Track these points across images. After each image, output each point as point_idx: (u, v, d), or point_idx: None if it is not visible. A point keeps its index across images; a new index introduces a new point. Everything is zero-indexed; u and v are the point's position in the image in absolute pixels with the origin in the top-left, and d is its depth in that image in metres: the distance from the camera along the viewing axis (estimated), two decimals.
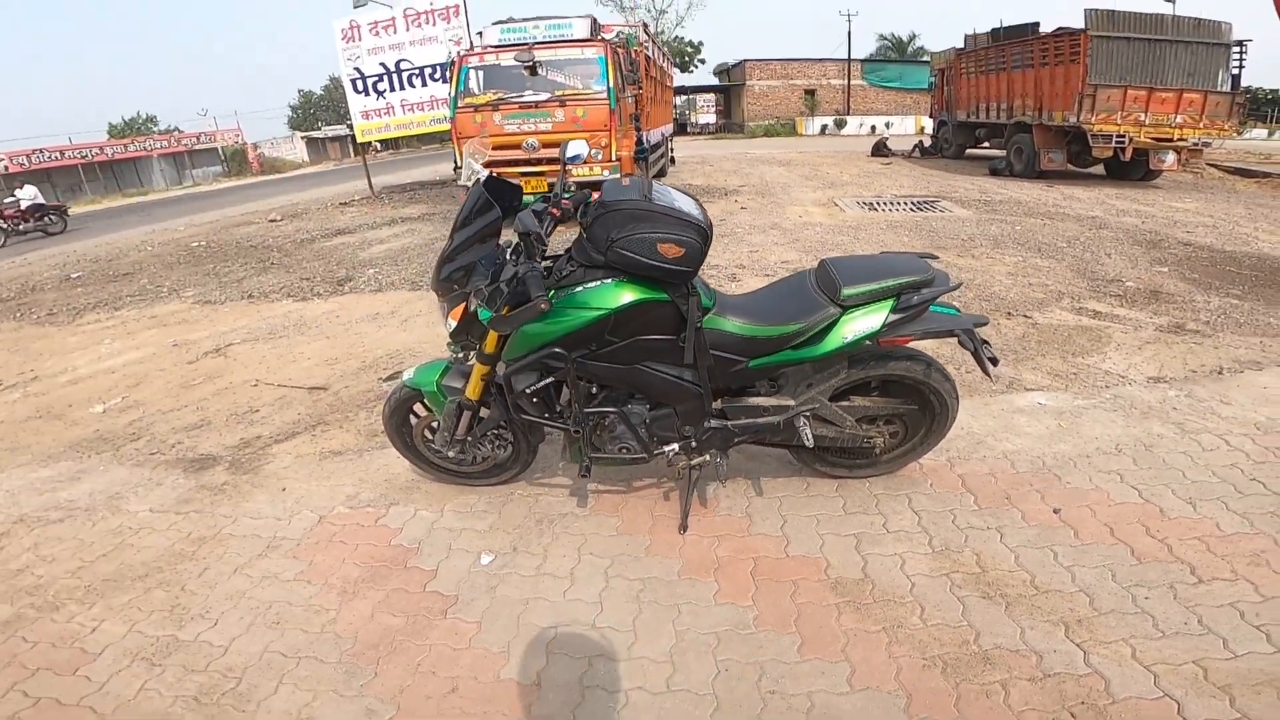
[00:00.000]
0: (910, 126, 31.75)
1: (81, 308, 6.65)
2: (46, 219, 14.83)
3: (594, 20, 8.32)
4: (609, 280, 2.07)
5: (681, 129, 39.83)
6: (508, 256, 2.10)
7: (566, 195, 2.29)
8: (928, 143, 17.75)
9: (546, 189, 8.05)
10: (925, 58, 35.56)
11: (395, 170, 20.98)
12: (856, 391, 2.42)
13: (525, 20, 8.52)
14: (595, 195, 2.17)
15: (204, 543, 2.57)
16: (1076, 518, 2.39)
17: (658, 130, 11.83)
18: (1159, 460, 2.72)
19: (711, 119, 42.30)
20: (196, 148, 38.55)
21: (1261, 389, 3.30)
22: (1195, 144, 11.30)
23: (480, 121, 8.13)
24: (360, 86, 12.49)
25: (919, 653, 1.86)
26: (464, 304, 2.19)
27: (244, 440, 3.42)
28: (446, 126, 9.10)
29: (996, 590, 2.07)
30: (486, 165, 8.14)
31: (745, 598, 2.10)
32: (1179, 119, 11.02)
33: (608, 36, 8.36)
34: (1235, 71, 11.30)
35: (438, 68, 11.52)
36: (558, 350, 2.15)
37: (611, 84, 7.88)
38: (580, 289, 2.09)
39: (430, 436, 2.64)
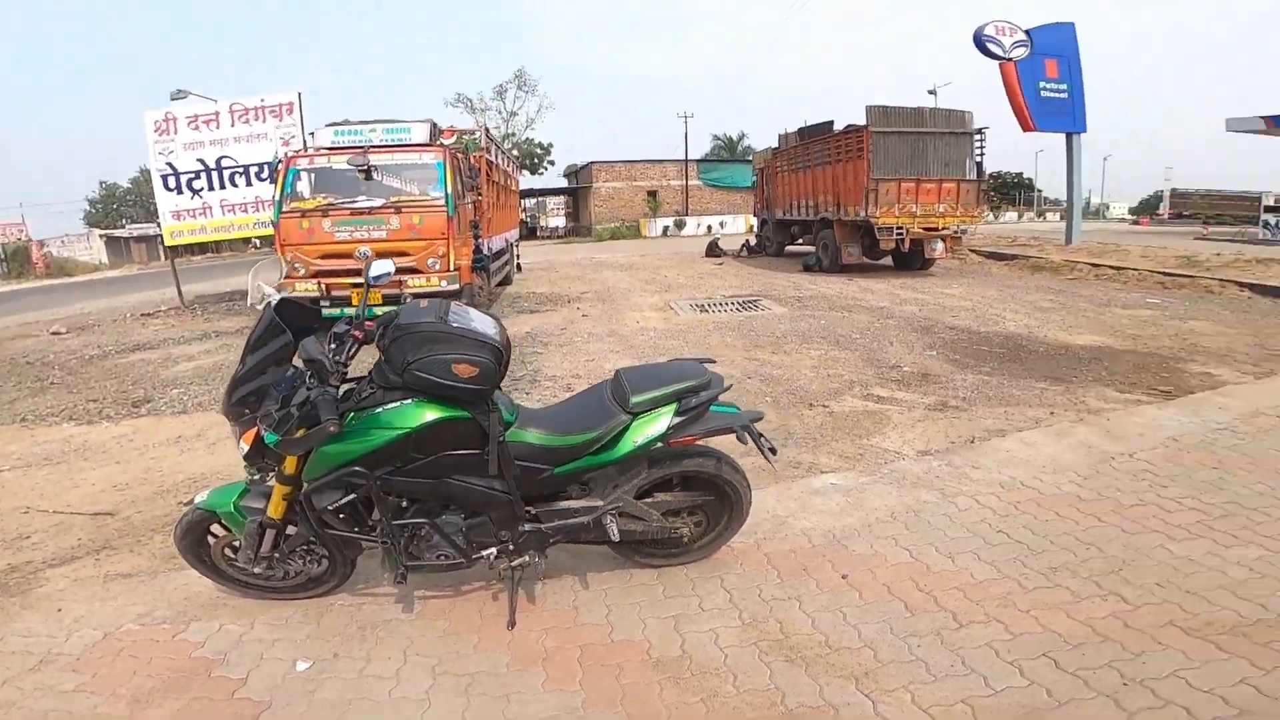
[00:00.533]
0: (742, 225, 34.32)
1: None
2: None
3: (433, 125, 8.54)
4: (408, 401, 2.18)
5: (531, 233, 40.83)
6: (306, 379, 2.14)
7: (370, 317, 2.37)
8: (753, 242, 19.72)
9: (380, 300, 7.93)
10: (751, 157, 39.00)
11: (213, 277, 19.49)
12: (660, 488, 2.67)
13: (361, 123, 8.52)
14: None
15: None
16: (861, 581, 2.71)
17: (501, 237, 12.14)
18: (925, 522, 3.17)
19: (561, 222, 43.86)
20: None
21: (1005, 453, 3.98)
22: (955, 231, 13.02)
23: (308, 228, 7.89)
24: (172, 184, 11.55)
25: (734, 718, 2.00)
26: (256, 428, 2.18)
27: (11, 566, 3.06)
28: (270, 231, 8.70)
29: (797, 653, 2.29)
30: (313, 275, 7.89)
31: (573, 683, 2.16)
32: (942, 208, 12.55)
33: (447, 142, 8.56)
34: (978, 159, 13.04)
35: (265, 166, 10.96)
36: (358, 469, 2.20)
37: (450, 190, 7.98)
38: (380, 410, 2.19)
39: (232, 555, 2.54)
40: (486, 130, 10.96)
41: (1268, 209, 26.49)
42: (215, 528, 2.53)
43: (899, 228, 12.37)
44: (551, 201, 45.12)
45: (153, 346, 8.94)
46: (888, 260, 14.24)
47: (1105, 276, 12.23)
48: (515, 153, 39.22)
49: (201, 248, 26.00)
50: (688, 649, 2.32)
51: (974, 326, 7.88)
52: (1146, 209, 59.67)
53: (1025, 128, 16.62)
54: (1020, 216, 55.95)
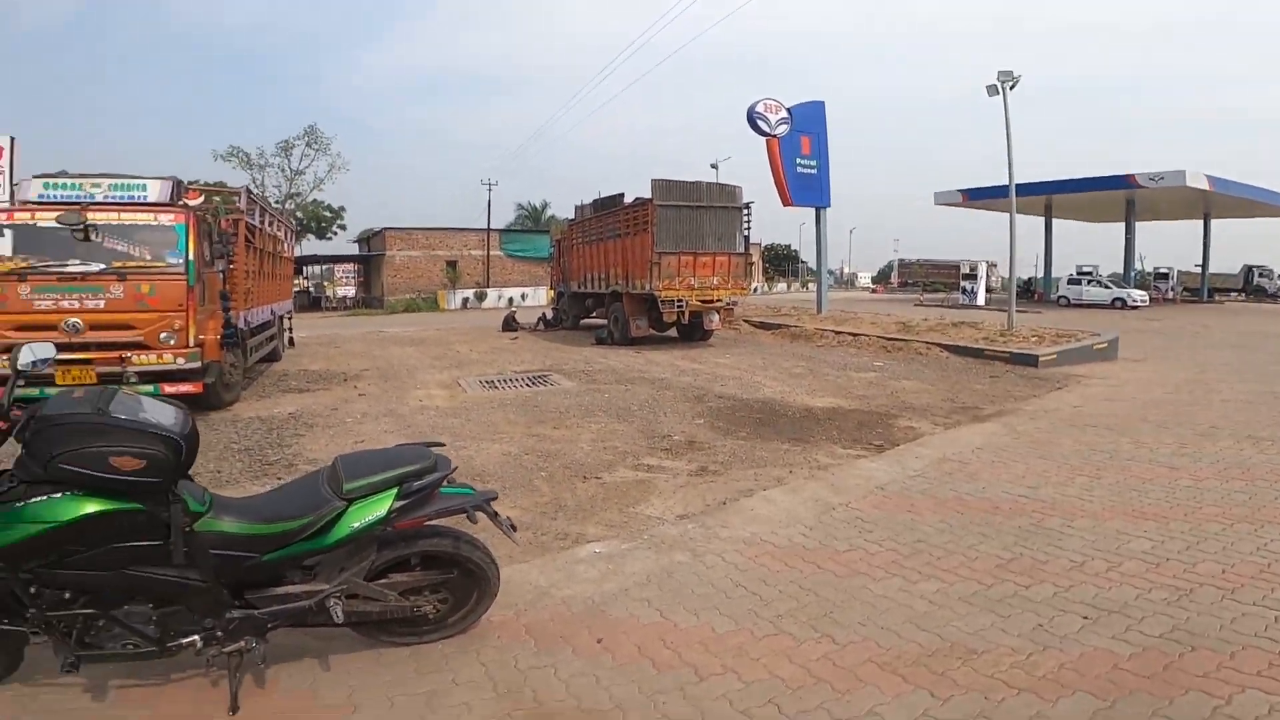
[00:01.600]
0: (543, 297, 34.16)
1: None
2: None
3: (176, 182, 7.55)
4: (58, 494, 1.99)
5: (316, 304, 37.70)
6: None
7: (19, 405, 2.10)
8: (550, 315, 20.06)
9: (95, 380, 6.71)
10: (550, 228, 38.45)
11: None
12: (398, 569, 2.60)
13: (82, 176, 7.30)
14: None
15: None
16: (615, 643, 2.77)
17: (266, 308, 11.00)
18: (676, 582, 3.34)
19: (351, 291, 40.92)
20: None
21: (750, 511, 4.36)
22: (728, 304, 14.04)
23: (2, 294, 6.52)
24: None
25: None
26: None
27: None
28: None
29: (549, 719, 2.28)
30: (3, 350, 6.42)
31: None
32: (715, 280, 13.45)
33: (191, 203, 7.63)
34: (746, 232, 14.07)
35: None
36: None
37: (192, 256, 7.10)
38: (21, 504, 1.98)
39: None
40: (248, 191, 9.97)
41: (964, 276, 33.38)
42: None
43: (679, 300, 13.15)
44: (340, 269, 41.98)
45: None
46: (673, 332, 15.22)
47: (845, 342, 14.33)
48: (299, 214, 36.26)
49: None
50: None
51: (738, 394, 8.70)
52: (882, 277, 71.47)
53: (785, 202, 18.95)
54: (789, 287, 63.92)
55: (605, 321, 15.79)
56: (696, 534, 3.98)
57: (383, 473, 2.41)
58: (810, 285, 60.36)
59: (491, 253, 39.90)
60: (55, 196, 7.14)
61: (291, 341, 14.05)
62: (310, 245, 43.59)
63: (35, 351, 2.21)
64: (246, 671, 2.40)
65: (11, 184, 8.95)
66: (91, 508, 2.02)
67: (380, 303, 37.06)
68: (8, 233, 6.76)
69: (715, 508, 4.46)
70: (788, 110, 18.60)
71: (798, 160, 18.97)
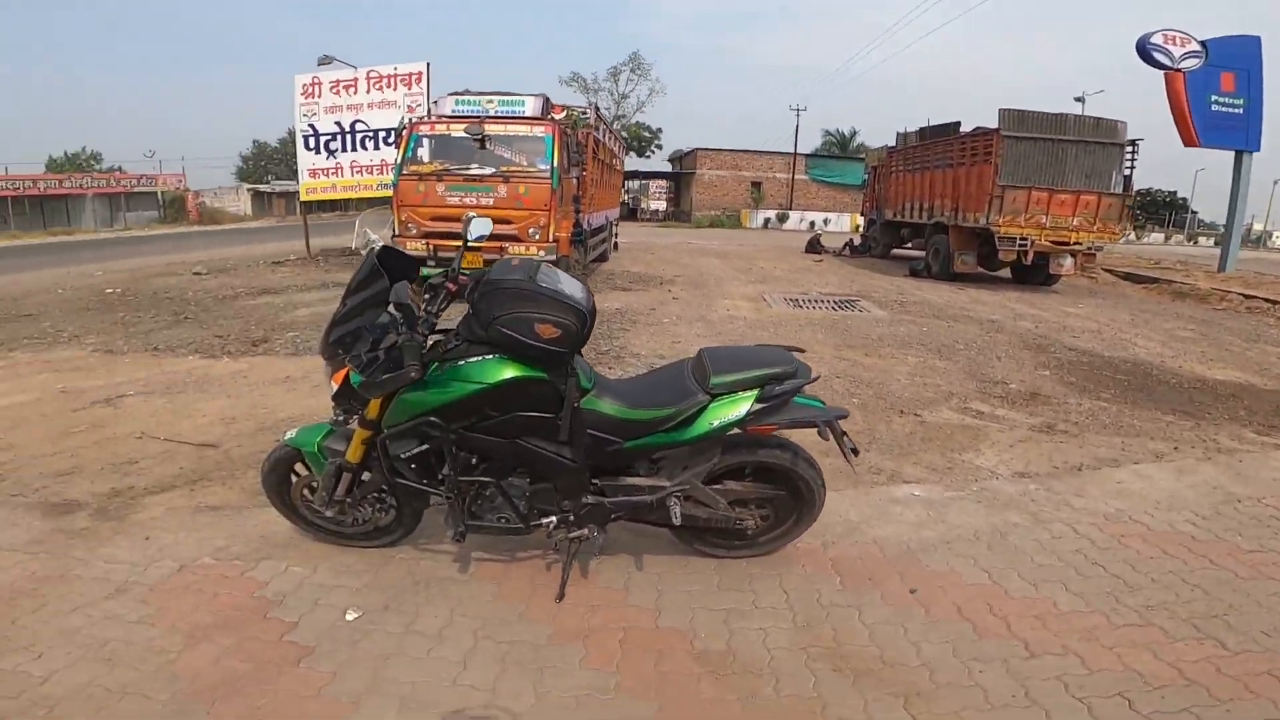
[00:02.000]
0: (846, 224, 33.17)
1: None
2: None
3: (546, 99, 8.73)
4: (490, 356, 2.21)
5: (632, 214, 40.96)
6: (398, 325, 2.20)
7: (464, 272, 2.40)
8: (858, 241, 18.93)
9: (482, 265, 8.22)
10: (864, 154, 37.47)
11: (338, 233, 20.90)
12: (730, 476, 2.57)
13: (480, 94, 8.84)
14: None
15: (47, 581, 2.47)
16: (930, 597, 2.54)
17: (602, 214, 12.29)
18: (1011, 546, 2.93)
19: (663, 206, 43.77)
20: (135, 190, 37.61)
21: (1116, 484, 3.62)
22: (1089, 248, 11.98)
23: (423, 191, 8.30)
24: (312, 144, 12.51)
25: None
26: (346, 369, 2.27)
27: (115, 490, 3.28)
28: (389, 193, 9.19)
29: (847, 664, 2.16)
30: (423, 235, 8.27)
31: (610, 664, 2.13)
32: (1076, 222, 11.53)
33: (556, 117, 8.75)
34: (1127, 172, 11.91)
35: (391, 132, 11.54)
36: (434, 420, 2.25)
37: (555, 164, 8.18)
38: (462, 362, 2.23)
39: (309, 495, 2.64)
40: (596, 109, 11.09)
41: None
42: (299, 468, 2.65)
43: (1023, 239, 11.53)
44: (654, 185, 45.08)
45: (277, 291, 9.72)
46: (1005, 272, 13.28)
47: (1259, 310, 10.84)
48: (624, 134, 39.49)
49: (332, 205, 27.83)
50: (734, 645, 2.24)
51: (1097, 350, 7.20)
52: None
53: (1188, 142, 15.09)
54: (1168, 238, 50.65)
55: (922, 253, 14.36)
56: (1040, 497, 3.43)
57: (747, 370, 2.34)
58: (1198, 240, 47.85)
59: (796, 176, 38.87)
60: (462, 111, 8.69)
61: (616, 245, 15.60)
62: (631, 162, 47.21)
63: (478, 227, 2.51)
64: (575, 559, 2.54)
65: (430, 101, 11.06)
66: (512, 372, 2.18)
67: (688, 217, 38.85)
68: (428, 141, 8.46)
69: (1066, 472, 3.79)
70: (1200, 43, 14.59)
71: (1213, 97, 14.98)
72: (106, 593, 2.41)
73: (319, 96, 12.30)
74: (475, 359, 2.21)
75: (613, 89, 45.16)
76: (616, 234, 15.80)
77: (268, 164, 52.32)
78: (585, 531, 2.46)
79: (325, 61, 12.83)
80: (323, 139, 12.45)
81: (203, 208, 38.93)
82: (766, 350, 2.57)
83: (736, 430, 2.37)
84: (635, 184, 44.72)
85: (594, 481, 2.45)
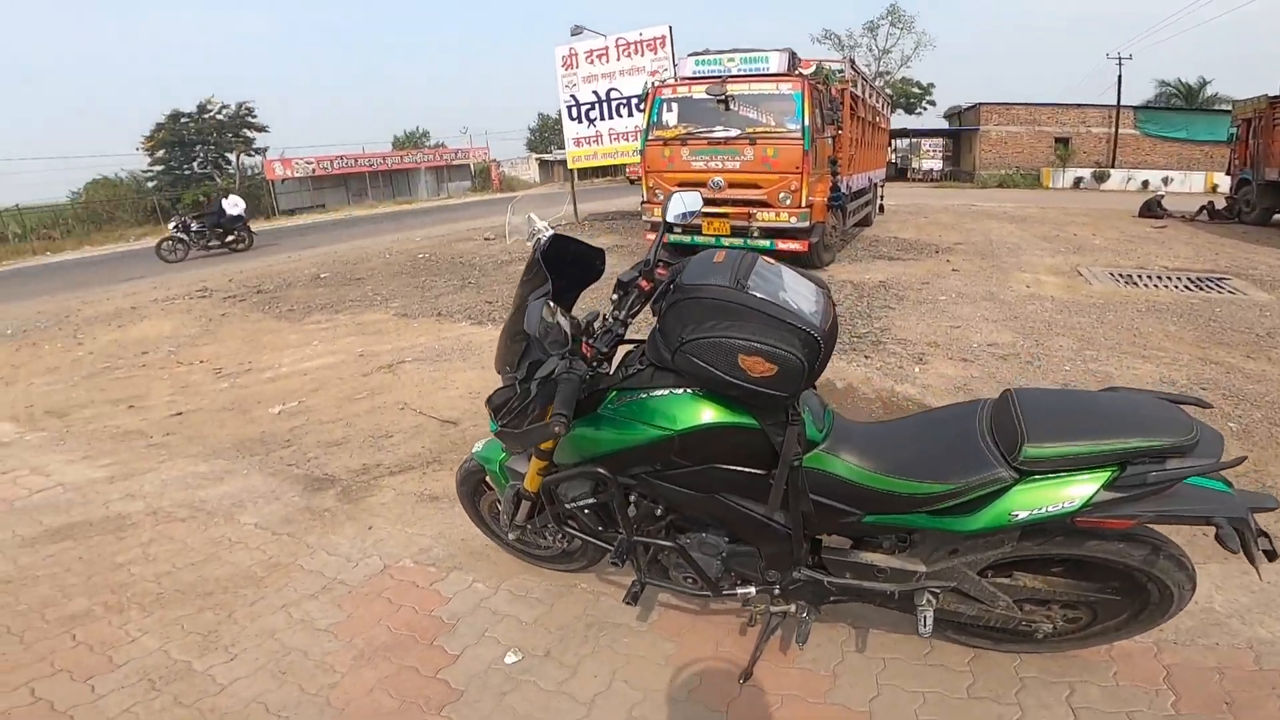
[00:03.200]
0: (1197, 184, 26.61)
1: (313, 307, 7.60)
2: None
3: (792, 54, 7.78)
4: (680, 390, 1.60)
5: (901, 174, 37.57)
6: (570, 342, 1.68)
7: (663, 263, 1.82)
8: (1220, 204, 14.51)
9: (728, 231, 7.68)
10: (1224, 106, 30.66)
11: (606, 197, 22.17)
12: (1028, 566, 1.71)
13: (720, 52, 8.20)
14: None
15: (275, 569, 2.58)
16: None
17: (864, 175, 10.90)
18: None
19: (938, 165, 39.17)
20: (454, 163, 43.89)
21: None
22: None
23: (668, 155, 7.98)
24: (575, 114, 13.02)
25: None
26: None
27: (365, 466, 3.47)
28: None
29: None
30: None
31: None
32: None
33: (805, 71, 7.75)
34: None
35: (641, 98, 11.62)
36: (602, 471, 1.74)
37: (807, 123, 7.27)
38: (645, 395, 1.64)
39: (498, 511, 2.38)
40: (852, 62, 9.66)
41: None
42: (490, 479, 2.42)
43: None
44: (927, 143, 40.39)
45: None
46: None
47: None
48: (888, 91, 35.97)
49: (603, 171, 29.79)
50: None
51: None
52: None
53: None
54: None
55: None
56: None
57: (1095, 439, 1.43)
58: None
59: (1121, 131, 31.85)
60: (703, 71, 8.13)
61: (881, 208, 13.90)
62: (899, 120, 43.57)
63: (685, 202, 1.97)
64: (774, 632, 2.00)
65: (674, 64, 10.71)
66: (708, 416, 1.57)
67: (970, 176, 34.25)
68: (672, 105, 8.06)
69: None
70: None
71: None
72: (313, 590, 2.45)
73: (576, 67, 12.68)
74: (660, 393, 1.62)
75: (871, 44, 41.38)
76: (882, 196, 14.07)
77: (550, 135, 57.91)
78: (791, 608, 1.86)
79: (576, 31, 13.15)
80: (583, 108, 12.87)
81: (503, 177, 44.63)
82: (1134, 401, 1.56)
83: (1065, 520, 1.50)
84: (904, 143, 40.84)
85: (818, 552, 1.82)
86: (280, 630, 2.22)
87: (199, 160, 33.34)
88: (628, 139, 12.28)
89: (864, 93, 10.23)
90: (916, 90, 43.71)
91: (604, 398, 1.69)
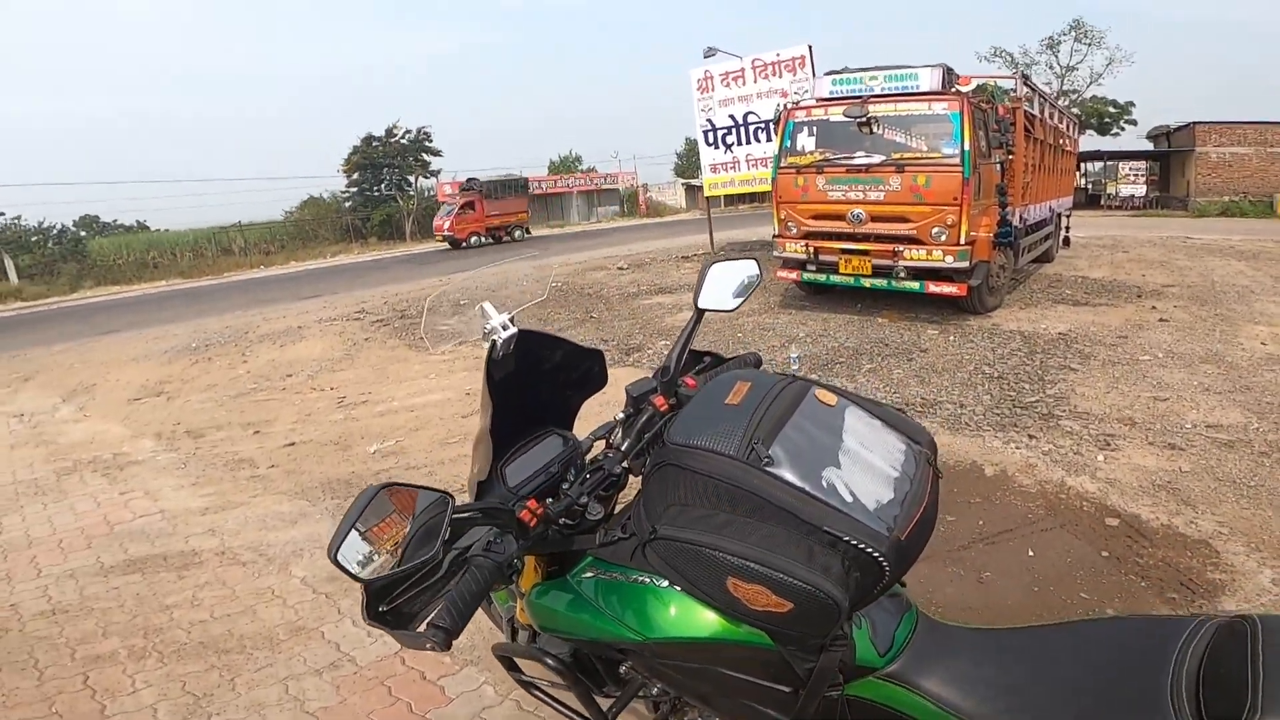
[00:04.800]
0: None
1: (444, 335, 7.79)
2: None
3: (946, 70, 6.76)
4: (662, 584, 1.01)
5: (1093, 201, 33.46)
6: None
7: (695, 372, 1.30)
8: None
9: (869, 270, 6.84)
10: None
11: (747, 225, 21.58)
12: None
13: (861, 70, 7.34)
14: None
15: (298, 633, 2.45)
16: None
17: (1045, 205, 9.41)
18: None
19: (1139, 190, 34.21)
20: (604, 187, 45.02)
21: None
22: None
23: (802, 184, 7.26)
24: (711, 139, 12.59)
25: None
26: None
27: None
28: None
29: None
30: (803, 236, 7.19)
31: None
32: None
33: (964, 89, 6.73)
34: None
35: (776, 122, 11.01)
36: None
37: (967, 146, 6.26)
38: (619, 575, 1.07)
39: None
40: (1025, 78, 8.31)
41: None
42: None
43: None
44: (1127, 166, 35.40)
45: (672, 290, 10.03)
46: None
47: None
48: (1075, 110, 32.14)
49: (750, 198, 29.28)
50: None
51: None
52: None
53: None
54: None
55: None
56: None
57: None
58: None
59: None
60: (840, 91, 7.35)
61: (1067, 241, 12.02)
62: (1090, 141, 38.80)
63: (730, 275, 1.37)
64: None
65: (814, 79, 9.96)
66: (696, 627, 1.00)
67: (1183, 204, 29.53)
68: (807, 129, 7.32)
69: None
70: None
71: None
72: (320, 665, 2.28)
73: (712, 90, 12.26)
74: (640, 579, 1.04)
75: (1052, 62, 37.21)
76: (1068, 228, 12.20)
77: (696, 160, 58.16)
78: None
79: (710, 53, 12.72)
80: (719, 132, 12.42)
81: (650, 201, 45.36)
82: None
83: None
84: (1097, 166, 36.24)
85: None
86: (269, 707, 2.08)
87: (385, 182, 36.24)
88: (766, 165, 11.67)
89: (1042, 111, 8.88)
90: (1112, 109, 38.98)
91: (579, 561, 1.16)
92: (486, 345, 1.13)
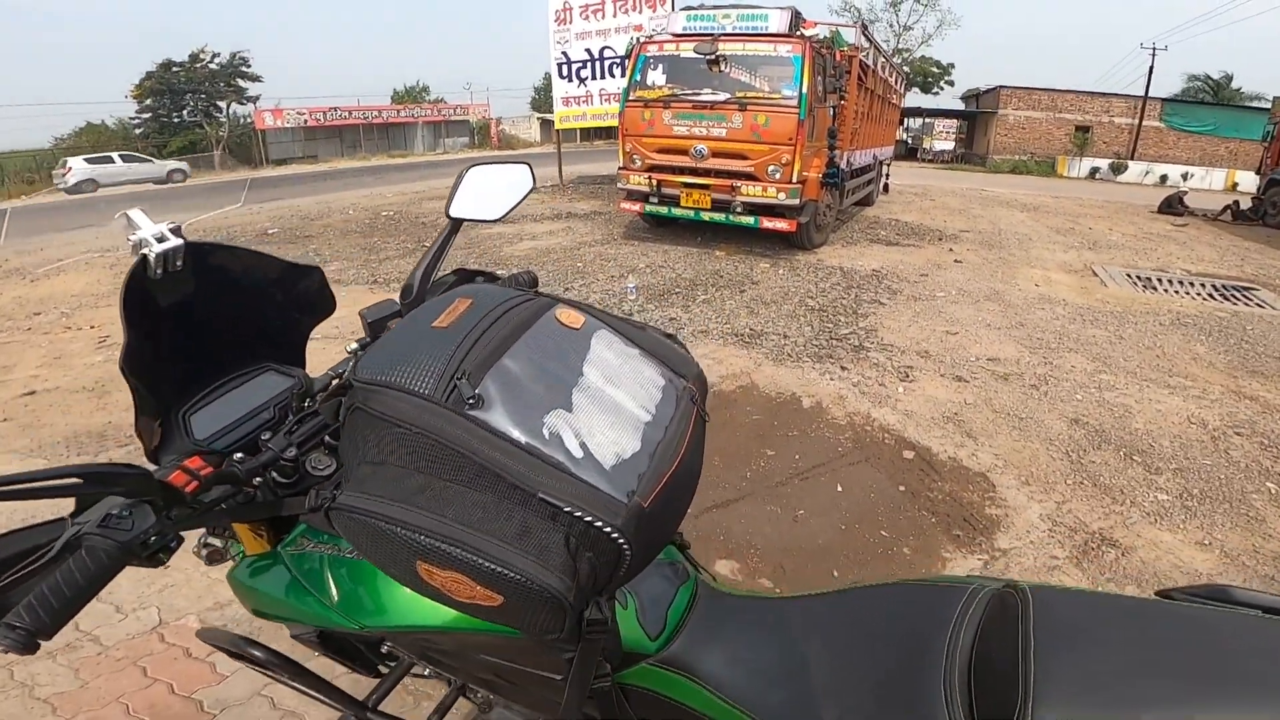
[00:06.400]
0: (1218, 181, 25.59)
1: None
2: None
3: (795, 13, 6.87)
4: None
5: (911, 154, 36.54)
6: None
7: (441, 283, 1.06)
8: (1245, 204, 13.70)
9: (709, 204, 6.91)
10: (1254, 103, 29.56)
11: (599, 160, 21.14)
12: None
13: (715, 8, 7.30)
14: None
15: None
16: None
17: (869, 151, 10.05)
18: None
19: (950, 146, 37.95)
20: (453, 119, 42.18)
21: None
22: None
23: (649, 119, 7.14)
24: (565, 72, 12.18)
25: None
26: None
27: None
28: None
29: None
30: (647, 169, 7.13)
31: None
32: None
33: (809, 33, 6.90)
34: None
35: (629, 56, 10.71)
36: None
37: (805, 90, 6.44)
38: (332, 546, 0.89)
39: None
40: (864, 26, 8.71)
41: None
42: None
43: None
44: (941, 124, 39.05)
45: (512, 220, 9.51)
46: None
47: None
48: (906, 69, 34.81)
49: (603, 132, 28.69)
50: None
51: None
52: None
53: None
54: None
55: None
56: None
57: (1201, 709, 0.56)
58: None
59: (1146, 123, 30.79)
60: (693, 28, 7.26)
61: (886, 188, 13.05)
62: (914, 99, 42.44)
63: (488, 183, 1.11)
64: None
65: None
66: (422, 618, 0.84)
67: (983, 160, 33.29)
68: (657, 64, 7.21)
69: None
70: None
71: None
72: (54, 646, 1.82)
73: (570, 23, 11.79)
74: (353, 552, 0.87)
75: (892, 20, 39.91)
76: (888, 175, 13.22)
77: (552, 94, 56.00)
78: None
79: None
80: (574, 66, 12.02)
81: (503, 135, 43.02)
82: (1238, 628, 0.65)
83: None
84: (917, 122, 39.63)
85: None
86: None
87: (189, 109, 33.24)
88: (618, 100, 11.41)
89: (875, 63, 9.34)
90: (935, 70, 42.52)
91: (293, 527, 0.95)
92: (135, 259, 0.82)
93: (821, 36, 6.97)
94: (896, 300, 5.65)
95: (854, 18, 39.37)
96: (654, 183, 7.16)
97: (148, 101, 32.63)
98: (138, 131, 32.99)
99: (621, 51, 11.04)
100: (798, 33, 6.73)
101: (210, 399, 0.91)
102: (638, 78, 7.24)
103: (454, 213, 1.08)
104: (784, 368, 4.14)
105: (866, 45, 8.42)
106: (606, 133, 31.54)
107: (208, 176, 25.89)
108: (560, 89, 12.41)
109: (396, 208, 11.02)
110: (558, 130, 14.03)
